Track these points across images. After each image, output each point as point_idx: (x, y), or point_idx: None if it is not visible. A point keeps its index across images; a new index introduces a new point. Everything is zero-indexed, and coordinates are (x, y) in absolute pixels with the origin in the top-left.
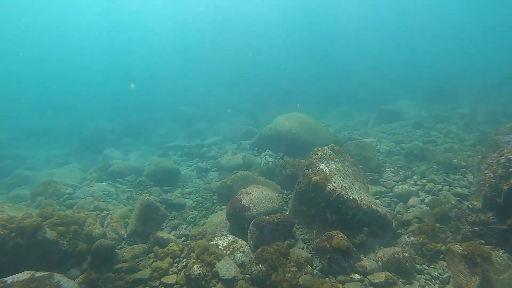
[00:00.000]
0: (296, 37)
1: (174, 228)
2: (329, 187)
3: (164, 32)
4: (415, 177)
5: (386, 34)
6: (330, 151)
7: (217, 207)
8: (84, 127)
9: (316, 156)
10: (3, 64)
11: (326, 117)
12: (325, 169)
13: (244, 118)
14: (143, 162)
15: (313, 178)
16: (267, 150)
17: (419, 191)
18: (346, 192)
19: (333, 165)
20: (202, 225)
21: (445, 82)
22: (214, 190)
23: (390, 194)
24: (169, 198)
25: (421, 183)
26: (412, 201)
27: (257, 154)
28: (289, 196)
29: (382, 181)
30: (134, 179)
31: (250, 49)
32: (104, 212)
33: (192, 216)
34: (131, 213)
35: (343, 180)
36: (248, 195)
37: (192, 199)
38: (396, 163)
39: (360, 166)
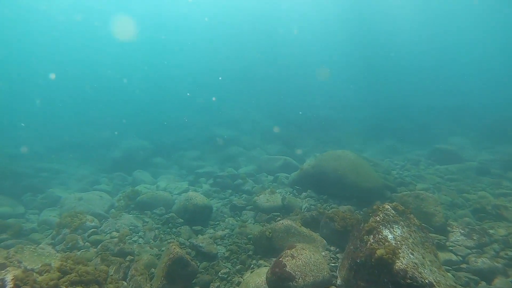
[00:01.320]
0: (338, 62)
1: (205, 286)
2: (398, 265)
3: (201, 51)
4: (495, 245)
5: (436, 63)
6: (393, 212)
7: (254, 260)
8: (116, 143)
9: (378, 219)
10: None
11: (369, 150)
12: (390, 236)
13: (280, 146)
14: (173, 190)
15: (377, 252)
16: (309, 190)
17: (506, 268)
18: (420, 272)
19: (398, 231)
20: (237, 285)
21: (507, 118)
22: (250, 236)
23: (464, 266)
24: (200, 244)
25: (506, 256)
26: (499, 282)
27: (297, 194)
28: (338, 255)
29: (450, 246)
30: (162, 213)
31: (291, 72)
32: (129, 257)
33: (225, 271)
34: (158, 259)
35: (412, 254)
36: (294, 260)
37: (225, 246)
38: (464, 221)
39: (423, 225)
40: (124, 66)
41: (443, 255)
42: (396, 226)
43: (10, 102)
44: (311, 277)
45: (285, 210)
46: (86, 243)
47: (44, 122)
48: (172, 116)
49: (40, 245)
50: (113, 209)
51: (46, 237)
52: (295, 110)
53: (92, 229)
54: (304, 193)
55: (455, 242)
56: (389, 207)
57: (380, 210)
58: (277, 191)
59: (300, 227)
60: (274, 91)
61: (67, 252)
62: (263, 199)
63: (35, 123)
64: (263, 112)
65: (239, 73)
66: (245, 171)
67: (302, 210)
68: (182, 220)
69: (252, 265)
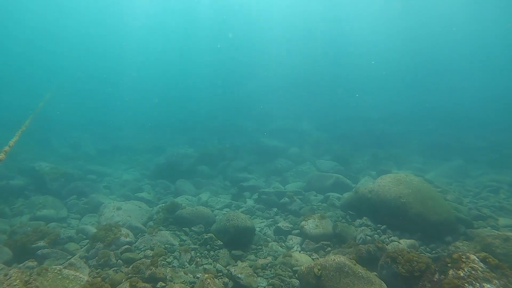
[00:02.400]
0: (399, 72)
1: None
2: None
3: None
4: None
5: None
6: (482, 266)
7: None
8: (163, 149)
9: (462, 274)
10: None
11: (432, 171)
12: None
13: (332, 162)
14: (215, 204)
15: None
16: (364, 217)
17: None
18: None
19: None
20: None
21: None
22: (295, 269)
23: None
24: (239, 275)
25: None
26: None
27: (350, 220)
28: None
29: None
30: (201, 231)
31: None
32: (160, 284)
33: None
34: None
35: None
36: None
37: (267, 279)
38: None
39: None
40: (185, 71)
41: None
42: (489, 287)
43: (71, 103)
44: None
45: (337, 239)
46: (119, 260)
47: (100, 124)
48: (220, 122)
49: (72, 260)
50: (151, 222)
51: (81, 248)
52: (348, 122)
53: (126, 245)
54: (359, 220)
55: None
56: (475, 258)
57: (464, 262)
58: (327, 214)
59: (355, 265)
60: (326, 101)
61: (98, 270)
62: (312, 225)
63: (91, 124)
64: (313, 122)
65: (290, 80)
66: (292, 188)
67: (357, 242)
68: (222, 243)
69: None
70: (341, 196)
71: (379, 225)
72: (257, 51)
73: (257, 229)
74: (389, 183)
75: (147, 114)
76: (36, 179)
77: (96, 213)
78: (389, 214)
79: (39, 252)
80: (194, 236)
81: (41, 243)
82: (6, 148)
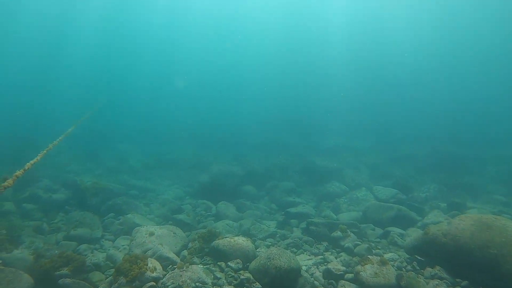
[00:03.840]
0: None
1: None
2: None
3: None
4: None
5: None
6: None
7: None
8: (207, 165)
9: None
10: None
11: None
12: None
13: (392, 190)
14: (258, 232)
15: None
16: (437, 267)
17: None
18: None
19: None
20: None
21: None
22: None
23: None
24: None
25: None
26: None
27: (418, 269)
28: None
29: None
30: (238, 268)
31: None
32: None
33: None
34: None
35: None
36: None
37: None
38: None
39: None
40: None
41: None
42: None
43: (120, 115)
44: None
45: None
46: None
47: (147, 136)
48: (268, 138)
49: None
50: (185, 250)
51: (106, 279)
52: (410, 141)
53: (151, 282)
54: (430, 270)
55: None
56: None
57: None
58: (388, 255)
59: None
60: (384, 118)
61: None
62: (370, 271)
63: (138, 137)
64: (369, 141)
65: (344, 93)
66: (346, 219)
67: None
68: (260, 286)
69: None
70: (404, 232)
71: (458, 280)
72: (311, 64)
73: (303, 267)
74: (472, 226)
75: (194, 127)
76: (77, 194)
77: (130, 235)
78: (472, 267)
79: (60, 281)
80: (230, 274)
81: (65, 271)
82: (19, 172)
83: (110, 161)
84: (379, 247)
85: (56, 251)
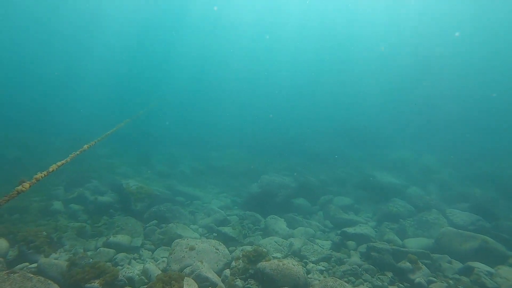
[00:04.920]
0: None
1: None
2: None
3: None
4: None
5: None
6: None
7: None
8: (258, 174)
9: None
10: None
11: None
12: None
13: (471, 214)
14: (311, 254)
15: None
16: None
17: None
18: None
19: None
20: None
21: None
22: None
23: None
24: None
25: None
26: None
27: None
28: None
29: None
30: None
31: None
32: None
33: None
34: None
35: None
36: None
37: None
38: None
39: None
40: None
41: None
42: None
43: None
44: None
45: None
46: None
47: (199, 141)
48: (325, 148)
49: None
50: (227, 270)
51: None
52: (492, 159)
53: None
54: None
55: None
56: None
57: None
58: None
59: None
60: (458, 127)
61: None
62: None
63: (190, 141)
64: (439, 155)
65: (414, 101)
66: (414, 246)
67: None
68: None
69: None
70: (492, 271)
71: None
72: (368, 67)
73: None
74: None
75: (247, 134)
76: (122, 198)
77: (170, 246)
78: None
79: None
80: None
81: (95, 284)
82: (40, 175)
83: (161, 165)
84: (461, 287)
85: (91, 260)
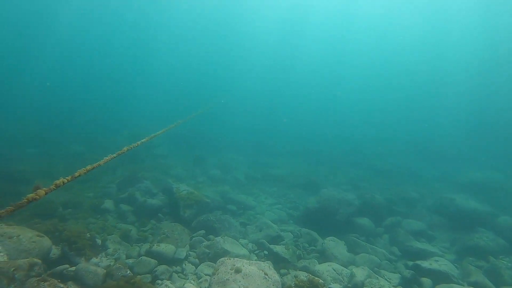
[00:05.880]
0: None
1: None
2: None
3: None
4: None
5: None
6: None
7: None
8: (318, 187)
9: None
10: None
11: None
12: None
13: None
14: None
15: None
16: None
17: None
18: None
19: None
20: None
21: None
22: None
23: None
24: None
25: None
26: None
27: None
28: None
29: None
30: None
31: None
32: None
33: None
34: None
35: None
36: None
37: None
38: None
39: None
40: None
41: None
42: None
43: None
44: None
45: None
46: None
47: (255, 146)
48: (392, 163)
49: None
50: None
51: None
52: None
53: None
54: None
55: None
56: None
57: None
58: None
59: None
60: None
61: None
62: None
63: (246, 146)
64: None
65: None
66: None
67: None
68: None
69: None
70: None
71: None
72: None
73: None
74: None
75: (308, 141)
76: (172, 202)
77: (215, 262)
78: None
79: None
80: None
81: None
82: (60, 181)
83: (215, 168)
84: None
85: (128, 272)
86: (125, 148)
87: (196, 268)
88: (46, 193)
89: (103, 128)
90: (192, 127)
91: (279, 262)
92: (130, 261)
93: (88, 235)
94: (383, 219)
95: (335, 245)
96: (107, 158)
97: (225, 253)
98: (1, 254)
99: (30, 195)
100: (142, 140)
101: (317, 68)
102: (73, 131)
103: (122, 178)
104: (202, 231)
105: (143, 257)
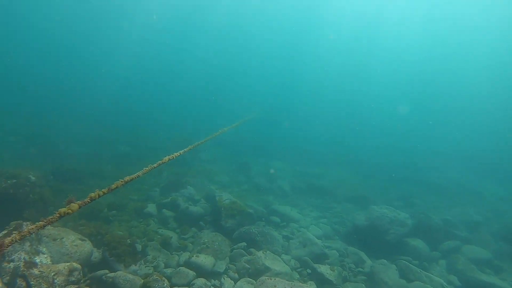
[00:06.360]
0: None
1: None
2: None
3: None
4: None
5: None
6: None
7: None
8: (366, 201)
9: None
10: None
11: None
12: None
13: None
14: None
15: None
16: None
17: None
18: None
19: None
20: None
21: None
22: None
23: None
24: None
25: None
26: None
27: None
28: None
29: None
30: None
31: None
32: None
33: None
34: None
35: None
36: None
37: None
38: None
39: None
40: None
41: None
42: None
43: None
44: None
45: None
46: None
47: (300, 155)
48: (450, 179)
49: None
50: None
51: None
52: None
53: None
54: None
55: None
56: None
57: None
58: None
59: None
60: None
61: None
62: None
63: (291, 154)
64: None
65: None
66: None
67: None
68: None
69: None
70: None
71: None
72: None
73: None
74: None
75: (356, 151)
76: (214, 211)
77: (256, 278)
78: None
79: None
80: None
81: None
82: (95, 194)
83: (259, 176)
84: None
85: (165, 284)
86: (166, 158)
87: (235, 283)
88: (79, 207)
89: (158, 131)
90: (238, 132)
91: (323, 284)
92: (169, 270)
93: (128, 241)
94: (440, 243)
95: (385, 269)
96: (147, 168)
97: (266, 269)
98: (45, 256)
99: (63, 210)
100: (185, 150)
101: (382, 81)
102: (123, 132)
103: (166, 182)
104: (243, 244)
105: (181, 267)
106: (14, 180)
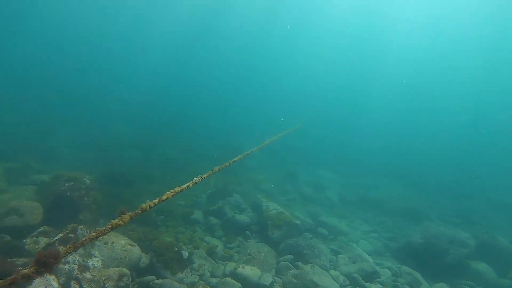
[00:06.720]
0: None
1: None
2: None
3: None
4: None
5: None
6: None
7: None
8: (420, 216)
9: None
10: None
11: None
12: None
13: None
14: None
15: None
16: None
17: None
18: None
19: None
20: None
21: None
22: None
23: None
24: None
25: None
26: None
27: None
28: None
29: None
30: None
31: None
32: None
33: None
34: None
35: None
36: None
37: None
38: None
39: None
40: None
41: None
42: None
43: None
44: None
45: None
46: None
47: (350, 165)
48: None
49: None
50: None
51: None
52: None
53: None
54: None
55: None
56: None
57: None
58: None
59: None
60: None
61: None
62: None
63: (340, 164)
64: None
65: None
66: None
67: None
68: None
69: None
70: None
71: None
72: None
73: None
74: None
75: (407, 162)
76: (260, 220)
77: None
78: None
79: None
80: None
81: None
82: (148, 204)
83: (306, 186)
84: None
85: None
86: (216, 168)
87: None
88: (131, 218)
89: (208, 137)
90: (285, 141)
91: None
92: (214, 280)
93: (175, 248)
94: (509, 268)
95: None
96: (197, 179)
97: (314, 286)
98: (97, 259)
99: (115, 221)
100: (235, 159)
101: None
102: (174, 137)
103: (213, 190)
104: (290, 256)
105: (227, 278)
106: (72, 183)
